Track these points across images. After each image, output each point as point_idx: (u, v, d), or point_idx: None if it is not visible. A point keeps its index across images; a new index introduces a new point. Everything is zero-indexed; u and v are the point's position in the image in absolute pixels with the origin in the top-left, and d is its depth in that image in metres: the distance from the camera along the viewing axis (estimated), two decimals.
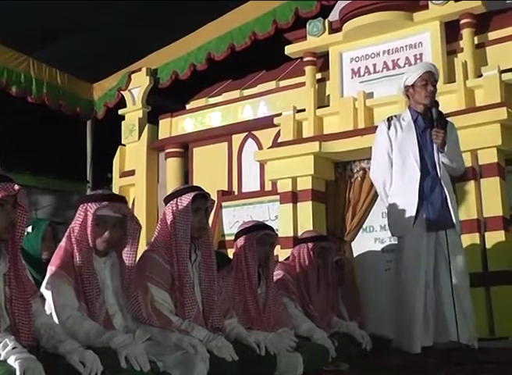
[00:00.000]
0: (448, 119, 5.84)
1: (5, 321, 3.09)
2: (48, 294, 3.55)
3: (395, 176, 5.78)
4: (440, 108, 5.74)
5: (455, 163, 5.69)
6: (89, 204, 3.68)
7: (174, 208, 4.21)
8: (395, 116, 5.97)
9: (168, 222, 4.20)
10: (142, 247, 4.13)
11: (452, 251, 5.41)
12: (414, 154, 5.64)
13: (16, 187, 3.12)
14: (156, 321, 3.79)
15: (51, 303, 3.52)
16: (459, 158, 5.81)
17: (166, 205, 4.30)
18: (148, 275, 4.02)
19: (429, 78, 5.71)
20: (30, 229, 5.43)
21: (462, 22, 7.30)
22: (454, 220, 5.54)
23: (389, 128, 5.84)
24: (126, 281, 3.79)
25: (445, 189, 5.54)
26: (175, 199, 4.23)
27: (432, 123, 5.60)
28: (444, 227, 5.42)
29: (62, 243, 3.72)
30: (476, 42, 7.33)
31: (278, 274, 5.53)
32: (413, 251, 5.58)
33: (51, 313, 3.47)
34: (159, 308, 3.94)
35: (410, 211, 5.59)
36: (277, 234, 5.32)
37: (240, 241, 4.92)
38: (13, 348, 2.84)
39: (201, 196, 4.27)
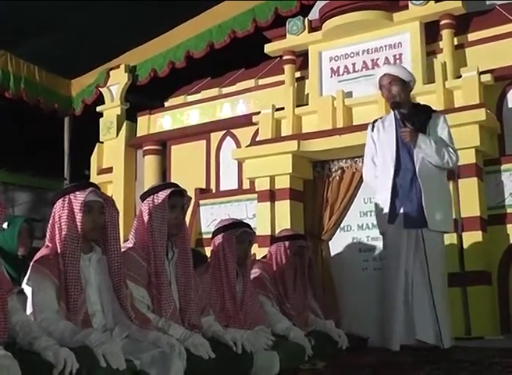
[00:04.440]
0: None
1: None
2: (28, 290, 3.51)
3: (379, 175, 5.80)
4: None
5: (437, 156, 5.51)
6: (71, 194, 3.66)
7: (150, 205, 4.19)
8: (380, 117, 6.00)
9: (145, 219, 4.18)
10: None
11: (428, 250, 5.41)
12: (391, 150, 5.65)
13: None
14: (134, 319, 3.76)
15: (30, 300, 3.48)
16: (442, 150, 5.55)
17: (143, 202, 4.28)
18: (126, 272, 3.99)
19: (385, 81, 5.74)
20: (5, 225, 5.41)
21: (442, 23, 7.32)
22: (427, 218, 5.48)
23: (372, 130, 5.89)
24: (117, 275, 3.75)
25: (420, 185, 5.51)
26: (151, 196, 4.21)
27: (407, 121, 5.60)
28: (422, 225, 5.43)
29: (47, 242, 3.68)
30: (456, 43, 7.37)
31: (255, 272, 5.52)
32: (393, 249, 5.59)
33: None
34: (137, 306, 3.92)
35: (386, 207, 5.62)
36: (255, 233, 5.32)
37: (218, 239, 4.90)
38: None
39: (178, 193, 4.26)
